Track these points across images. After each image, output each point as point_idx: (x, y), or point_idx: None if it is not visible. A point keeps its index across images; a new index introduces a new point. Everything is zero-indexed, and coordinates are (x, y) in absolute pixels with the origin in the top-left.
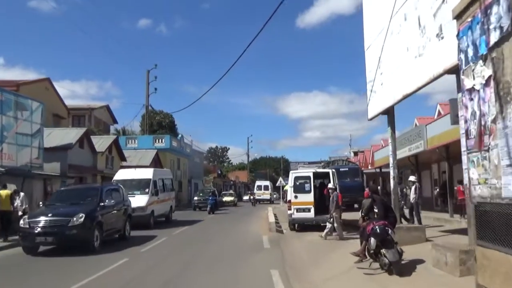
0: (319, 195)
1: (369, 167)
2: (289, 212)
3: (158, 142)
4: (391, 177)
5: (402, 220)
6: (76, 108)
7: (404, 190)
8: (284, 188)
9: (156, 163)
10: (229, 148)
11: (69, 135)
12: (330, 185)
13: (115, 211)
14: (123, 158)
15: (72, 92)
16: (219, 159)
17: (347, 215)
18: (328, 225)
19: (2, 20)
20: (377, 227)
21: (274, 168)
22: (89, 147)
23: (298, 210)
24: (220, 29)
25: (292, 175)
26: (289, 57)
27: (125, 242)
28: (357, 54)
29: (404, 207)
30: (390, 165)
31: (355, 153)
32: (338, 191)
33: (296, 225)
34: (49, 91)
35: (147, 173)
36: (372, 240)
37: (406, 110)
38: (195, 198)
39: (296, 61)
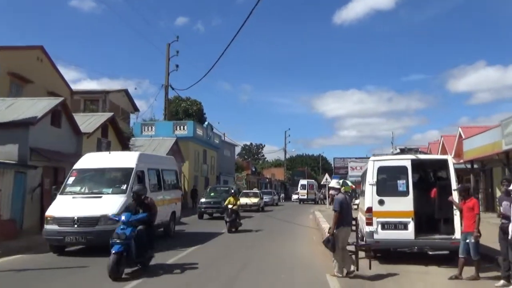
0: (420, 199)
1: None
2: (368, 228)
3: (179, 129)
4: None
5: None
6: (88, 92)
7: None
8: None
9: (176, 154)
10: (264, 145)
11: (35, 106)
12: (454, 186)
13: None
14: (125, 145)
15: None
16: (254, 156)
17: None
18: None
19: (42, 18)
20: None
21: (312, 166)
22: (70, 126)
23: (385, 225)
24: (255, 25)
25: (374, 164)
26: (326, 55)
27: None
28: (396, 51)
29: None
30: None
31: (402, 150)
32: (454, 193)
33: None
34: (43, 63)
35: (127, 159)
36: None
37: (444, 113)
38: (202, 200)
39: (332, 59)
